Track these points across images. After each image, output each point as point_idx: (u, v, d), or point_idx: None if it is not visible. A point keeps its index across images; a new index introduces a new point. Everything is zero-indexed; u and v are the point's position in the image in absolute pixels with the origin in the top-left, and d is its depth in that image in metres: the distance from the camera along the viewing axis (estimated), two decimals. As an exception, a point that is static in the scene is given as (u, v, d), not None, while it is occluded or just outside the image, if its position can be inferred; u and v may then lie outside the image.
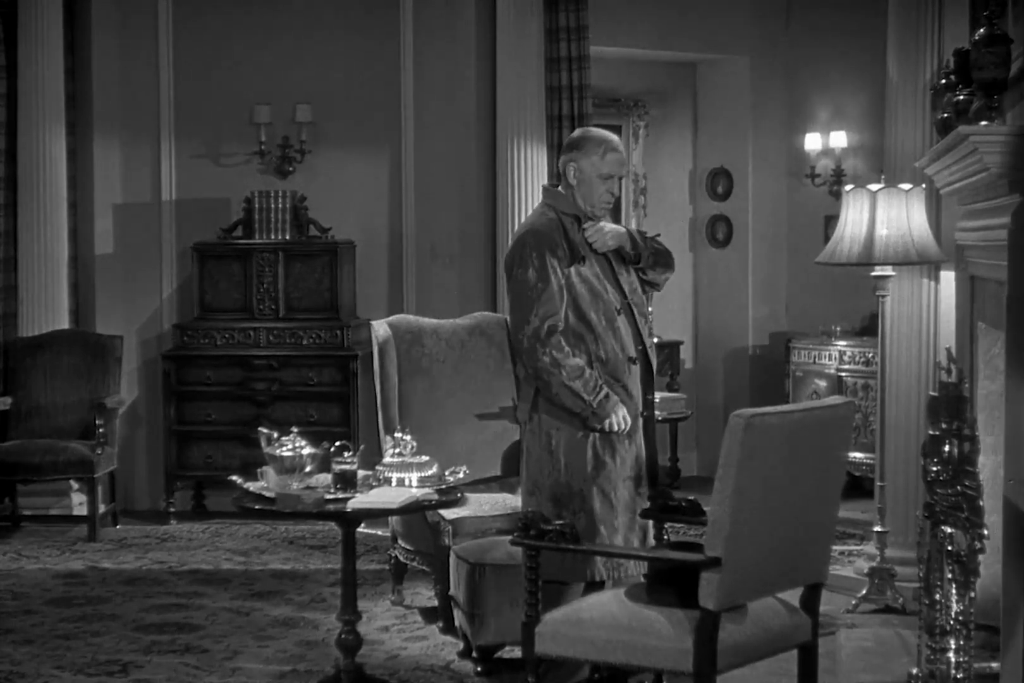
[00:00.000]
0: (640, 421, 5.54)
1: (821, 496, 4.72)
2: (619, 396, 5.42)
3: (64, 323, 9.56)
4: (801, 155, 10.93)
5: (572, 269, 5.47)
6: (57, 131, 9.50)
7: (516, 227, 9.57)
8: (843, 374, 9.86)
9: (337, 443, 5.24)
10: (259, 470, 5.30)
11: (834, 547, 7.47)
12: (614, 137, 5.70)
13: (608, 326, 5.46)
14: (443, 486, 5.44)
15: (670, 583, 4.62)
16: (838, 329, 10.23)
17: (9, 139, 9.50)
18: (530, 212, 9.49)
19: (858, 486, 9.18)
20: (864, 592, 7.07)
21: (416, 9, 9.88)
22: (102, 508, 9.06)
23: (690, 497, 5.37)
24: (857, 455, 9.14)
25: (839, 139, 10.77)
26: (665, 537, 5.51)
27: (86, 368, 9.40)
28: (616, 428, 5.39)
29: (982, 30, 4.96)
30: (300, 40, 9.87)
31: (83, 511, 9.11)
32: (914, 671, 5.23)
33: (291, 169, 9.81)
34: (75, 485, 9.38)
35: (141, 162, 9.83)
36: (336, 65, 9.88)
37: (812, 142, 10.85)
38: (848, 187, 7.31)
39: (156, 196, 9.84)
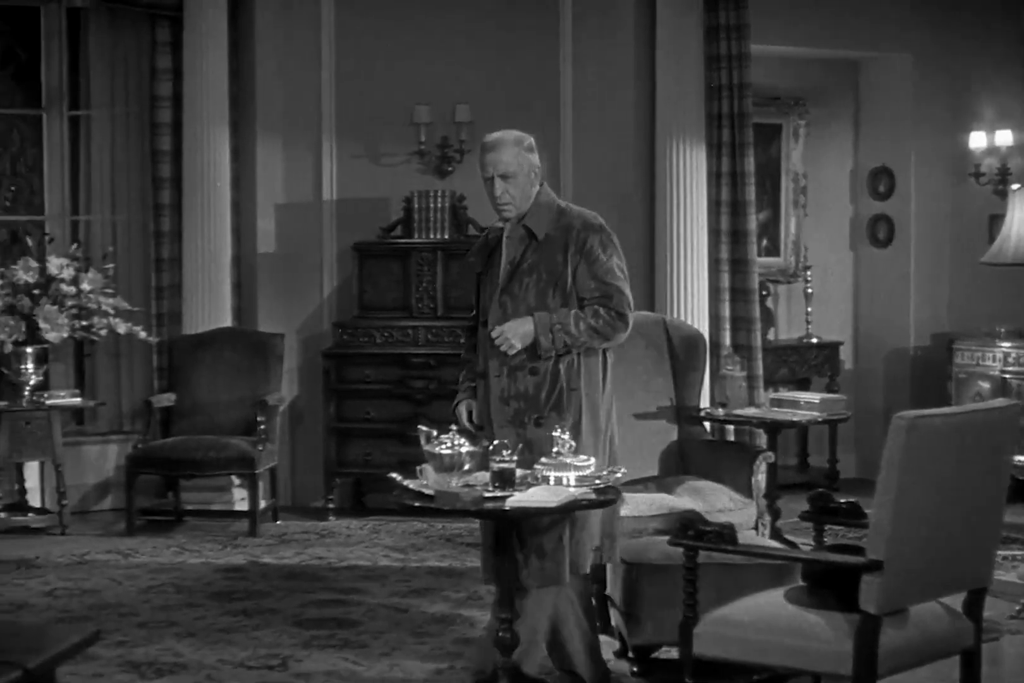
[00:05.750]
0: (492, 433, 5.58)
1: (986, 500, 4.64)
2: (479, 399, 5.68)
3: (227, 321, 9.70)
4: (965, 154, 10.77)
5: (480, 275, 5.72)
6: (221, 132, 9.64)
7: (676, 225, 9.58)
8: (1008, 376, 9.69)
9: (496, 441, 5.25)
10: (418, 468, 5.32)
11: (998, 552, 7.32)
12: (490, 137, 5.73)
13: (480, 334, 5.65)
14: (601, 485, 5.43)
15: (830, 586, 4.57)
16: (1003, 330, 10.06)
17: (174, 140, 9.67)
18: (689, 210, 9.55)
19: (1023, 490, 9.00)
20: (1028, 598, 6.96)
21: (575, 8, 9.89)
22: (263, 504, 9.18)
23: (850, 499, 5.31)
24: (1022, 459, 8.96)
25: (1005, 137, 10.59)
26: (824, 539, 5.45)
27: (248, 366, 9.53)
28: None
29: None
30: (460, 40, 9.92)
31: (244, 506, 9.23)
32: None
33: (450, 169, 9.86)
34: (236, 481, 9.51)
35: (303, 162, 9.94)
36: (495, 65, 9.91)
37: (977, 140, 10.68)
38: (1015, 186, 7.21)
39: (317, 196, 9.94)
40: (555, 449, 5.52)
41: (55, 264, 9.04)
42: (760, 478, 7.10)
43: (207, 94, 9.57)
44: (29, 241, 9.30)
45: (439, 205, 9.59)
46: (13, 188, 10.06)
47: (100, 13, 9.74)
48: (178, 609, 7.14)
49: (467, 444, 5.19)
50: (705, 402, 8.36)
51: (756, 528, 6.94)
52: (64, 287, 9.00)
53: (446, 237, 9.60)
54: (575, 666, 5.79)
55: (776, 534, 7.62)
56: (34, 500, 9.43)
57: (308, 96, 9.89)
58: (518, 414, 5.54)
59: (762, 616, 4.61)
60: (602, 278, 5.53)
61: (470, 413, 5.74)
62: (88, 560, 8.27)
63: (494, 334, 5.49)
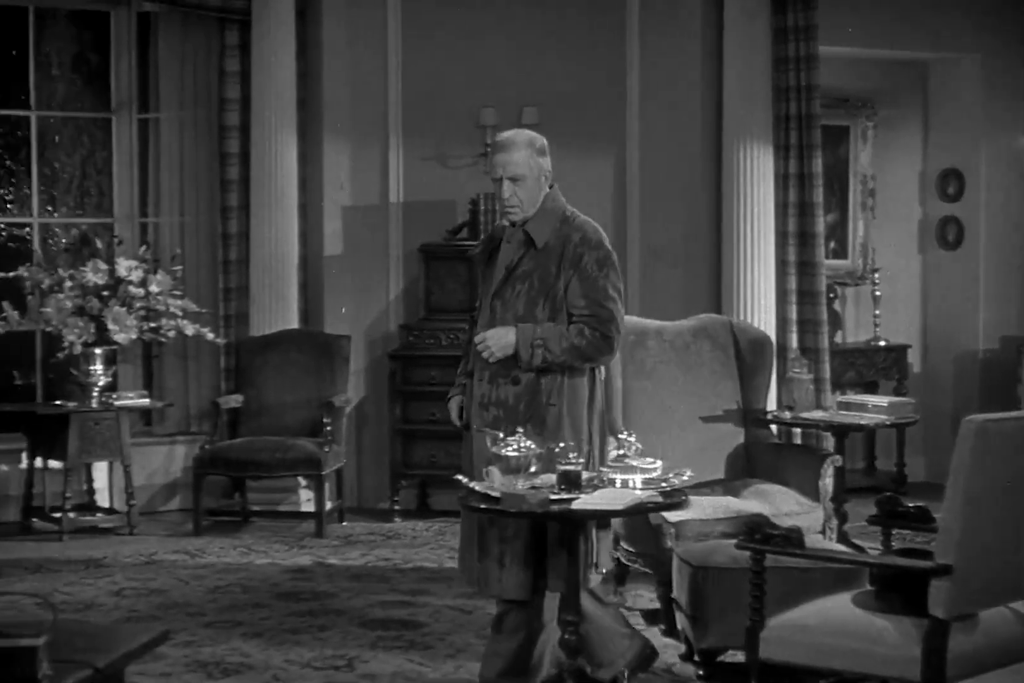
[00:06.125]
0: (471, 436, 5.58)
1: (1057, 505, 4.60)
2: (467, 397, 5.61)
3: (293, 323, 9.74)
4: (1035, 155, 10.70)
5: (482, 271, 5.67)
6: (288, 134, 9.68)
7: (743, 228, 9.55)
8: (1078, 379, 9.61)
9: (562, 444, 5.25)
10: (484, 469, 5.33)
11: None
12: (502, 136, 5.59)
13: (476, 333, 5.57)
14: (667, 488, 5.41)
15: (898, 590, 4.54)
16: (1073, 333, 9.99)
17: (242, 142, 9.72)
18: (757, 212, 9.51)
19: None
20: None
21: (642, 11, 9.88)
22: (329, 505, 9.21)
23: (918, 503, 5.28)
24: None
25: (1077, 139, 10.52)
26: (892, 544, 5.42)
27: (315, 367, 9.56)
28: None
29: None
30: (527, 42, 9.92)
31: (310, 507, 9.27)
32: None
33: (516, 171, 9.85)
34: (303, 482, 9.55)
35: (369, 164, 9.96)
36: (562, 67, 9.91)
37: (1048, 142, 10.62)
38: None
39: (384, 198, 9.96)
40: (620, 452, 5.52)
41: (124, 266, 9.11)
42: (827, 482, 7.07)
43: (275, 97, 9.61)
44: (98, 243, 9.37)
45: (505, 207, 9.57)
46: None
47: (170, 17, 9.81)
48: (245, 609, 7.18)
49: (534, 446, 5.19)
50: (772, 405, 8.34)
51: (823, 532, 6.91)
52: (133, 289, 9.07)
53: (512, 239, 9.58)
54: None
55: (843, 538, 7.59)
56: (103, 500, 9.51)
57: (375, 98, 9.91)
58: (496, 421, 5.42)
59: (829, 620, 4.59)
60: (593, 297, 5.38)
61: (461, 410, 5.68)
62: (156, 560, 8.33)
63: (476, 340, 5.44)
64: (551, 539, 5.36)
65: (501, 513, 5.12)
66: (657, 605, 6.79)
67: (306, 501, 9.54)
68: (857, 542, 7.91)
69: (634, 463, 5.41)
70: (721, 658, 6.09)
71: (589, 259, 5.39)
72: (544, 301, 5.40)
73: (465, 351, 5.79)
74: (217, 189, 9.81)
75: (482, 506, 5.17)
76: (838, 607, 4.65)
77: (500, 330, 5.39)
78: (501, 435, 5.19)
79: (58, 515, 8.95)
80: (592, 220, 5.54)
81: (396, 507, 9.54)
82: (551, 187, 5.55)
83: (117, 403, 9.10)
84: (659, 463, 5.44)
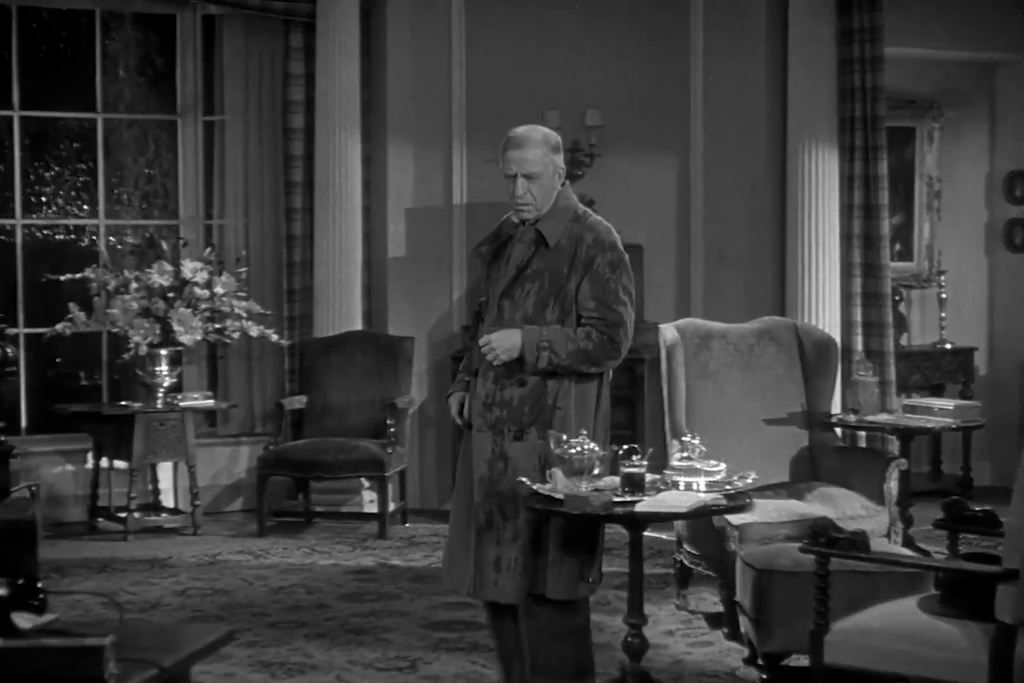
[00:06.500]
0: (471, 435, 5.40)
1: None
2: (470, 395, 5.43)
3: (357, 324, 9.76)
4: (1106, 157, 10.61)
5: (487, 268, 5.48)
6: (352, 136, 9.71)
7: (807, 230, 9.50)
8: None
9: (625, 446, 5.24)
10: (548, 471, 5.32)
11: None
12: (517, 132, 5.54)
13: (481, 330, 5.42)
14: (731, 491, 5.39)
15: (964, 595, 4.51)
16: None
17: (307, 145, 9.75)
18: (821, 214, 9.47)
19: None
20: None
21: (706, 12, 9.86)
22: (392, 506, 9.23)
23: (985, 507, 5.24)
24: None
25: None
26: (958, 548, 5.37)
27: (378, 369, 9.58)
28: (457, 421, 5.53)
29: None
30: (590, 44, 9.91)
31: (373, 509, 9.29)
32: None
33: (580, 173, 9.85)
34: (366, 483, 9.57)
35: (433, 167, 9.98)
36: (626, 69, 9.90)
37: (1117, 143, 10.52)
38: None
39: (447, 200, 9.98)
40: (684, 454, 5.51)
41: (189, 268, 9.16)
42: (892, 485, 7.03)
43: (339, 99, 9.64)
44: (164, 245, 9.43)
45: (569, 209, 9.56)
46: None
47: (235, 20, 9.86)
48: (308, 610, 7.20)
49: (597, 448, 5.18)
50: (836, 408, 8.30)
51: (888, 536, 6.87)
52: (198, 290, 9.12)
53: (575, 241, 9.57)
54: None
55: (908, 542, 7.55)
56: (167, 500, 9.58)
57: (438, 101, 9.92)
58: (498, 422, 5.27)
59: (894, 625, 4.56)
60: (604, 300, 5.24)
61: (461, 406, 5.48)
62: (220, 560, 8.37)
63: (481, 342, 5.25)
64: (554, 544, 5.26)
65: (563, 515, 5.11)
66: (720, 608, 6.78)
67: (369, 502, 9.56)
68: (922, 546, 7.86)
69: (698, 466, 5.40)
70: (785, 662, 6.06)
71: (602, 261, 5.26)
72: (554, 302, 5.26)
73: (468, 348, 5.69)
74: (281, 191, 9.84)
75: (545, 508, 5.15)
76: (904, 612, 4.62)
77: (505, 332, 5.23)
78: (564, 437, 5.18)
79: (123, 515, 9.01)
80: (604, 220, 5.42)
81: (459, 509, 9.53)
82: (563, 184, 5.45)
83: (182, 404, 9.16)
84: (723, 466, 5.43)
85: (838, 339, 8.69)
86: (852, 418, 8.15)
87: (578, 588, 5.29)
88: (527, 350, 5.18)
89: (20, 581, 3.39)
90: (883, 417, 8.30)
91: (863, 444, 9.30)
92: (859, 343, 9.51)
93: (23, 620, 3.34)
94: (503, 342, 5.20)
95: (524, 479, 5.22)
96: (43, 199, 10.22)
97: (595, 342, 5.22)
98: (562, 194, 5.40)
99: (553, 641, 5.29)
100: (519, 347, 5.18)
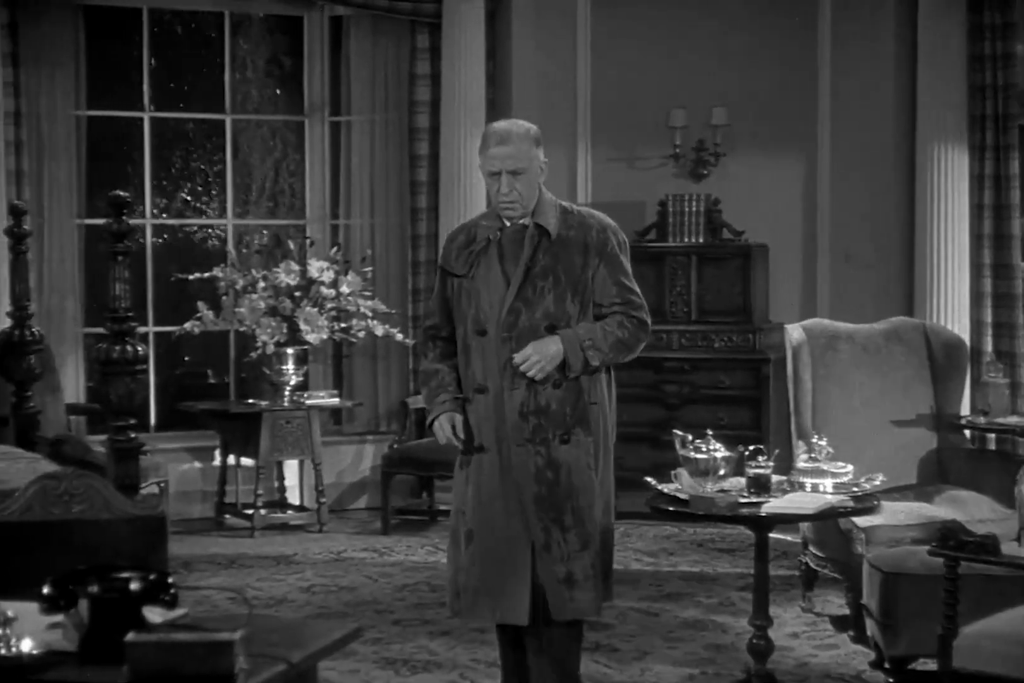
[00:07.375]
0: (478, 456, 5.19)
1: None
2: (474, 415, 5.15)
3: (481, 324, 9.77)
4: None
5: (461, 279, 5.15)
6: (478, 137, 9.54)
7: (937, 229, 9.39)
8: None
9: (752, 447, 5.22)
10: (673, 472, 5.32)
11: None
12: (498, 127, 5.22)
13: (470, 344, 5.14)
14: (858, 493, 5.35)
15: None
16: None
17: (432, 145, 9.79)
18: (951, 214, 9.34)
19: None
20: None
21: (834, 9, 9.77)
22: (514, 505, 9.23)
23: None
24: None
25: None
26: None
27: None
28: (440, 442, 5.21)
29: None
30: (716, 43, 9.86)
31: (497, 508, 9.29)
32: None
33: (705, 172, 9.82)
34: (489, 482, 9.58)
35: (558, 165, 9.93)
36: (752, 67, 9.83)
37: None
38: None
39: (572, 199, 9.93)
40: (811, 455, 5.47)
41: (316, 267, 9.23)
42: (1023, 488, 6.93)
43: (464, 99, 9.67)
44: (291, 244, 9.52)
45: (694, 209, 9.55)
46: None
47: (362, 21, 9.92)
48: (432, 608, 7.22)
49: (723, 449, 5.16)
50: (966, 410, 8.20)
51: (1018, 540, 6.75)
52: (324, 290, 9.19)
53: (700, 241, 9.55)
54: None
55: (1039, 546, 7.43)
56: (293, 498, 9.66)
57: (563, 100, 9.92)
58: (538, 431, 5.06)
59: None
60: (624, 283, 5.13)
61: (454, 427, 5.15)
62: (345, 557, 8.43)
63: (518, 359, 4.97)
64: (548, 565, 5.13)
65: (690, 516, 5.09)
66: (846, 611, 6.72)
67: (492, 501, 9.56)
68: (1053, 551, 7.75)
69: (824, 467, 5.37)
70: (912, 666, 6.00)
71: (614, 242, 5.13)
72: (572, 294, 5.07)
73: (433, 368, 5.26)
74: (407, 191, 9.89)
75: (670, 508, 5.14)
76: (1035, 616, 4.56)
77: (540, 343, 5.00)
78: (690, 437, 5.17)
79: (250, 512, 9.11)
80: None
81: (582, 508, 9.52)
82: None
83: (308, 402, 9.23)
84: (850, 467, 5.39)
85: (968, 340, 8.59)
86: (982, 420, 8.05)
87: (601, 605, 5.22)
88: (571, 354, 5.00)
89: (152, 576, 3.42)
90: (1013, 419, 8.19)
91: (993, 446, 9.17)
92: (989, 344, 9.38)
93: (154, 615, 3.37)
94: (544, 352, 4.99)
95: (648, 478, 5.21)
96: (172, 199, 10.36)
97: (629, 329, 5.11)
98: (542, 188, 5.19)
99: (573, 656, 5.25)
100: (562, 352, 5.00)
